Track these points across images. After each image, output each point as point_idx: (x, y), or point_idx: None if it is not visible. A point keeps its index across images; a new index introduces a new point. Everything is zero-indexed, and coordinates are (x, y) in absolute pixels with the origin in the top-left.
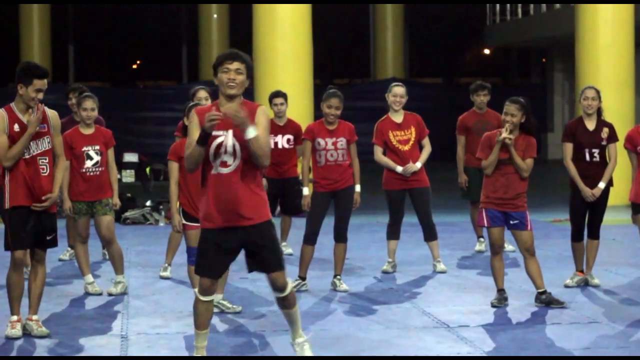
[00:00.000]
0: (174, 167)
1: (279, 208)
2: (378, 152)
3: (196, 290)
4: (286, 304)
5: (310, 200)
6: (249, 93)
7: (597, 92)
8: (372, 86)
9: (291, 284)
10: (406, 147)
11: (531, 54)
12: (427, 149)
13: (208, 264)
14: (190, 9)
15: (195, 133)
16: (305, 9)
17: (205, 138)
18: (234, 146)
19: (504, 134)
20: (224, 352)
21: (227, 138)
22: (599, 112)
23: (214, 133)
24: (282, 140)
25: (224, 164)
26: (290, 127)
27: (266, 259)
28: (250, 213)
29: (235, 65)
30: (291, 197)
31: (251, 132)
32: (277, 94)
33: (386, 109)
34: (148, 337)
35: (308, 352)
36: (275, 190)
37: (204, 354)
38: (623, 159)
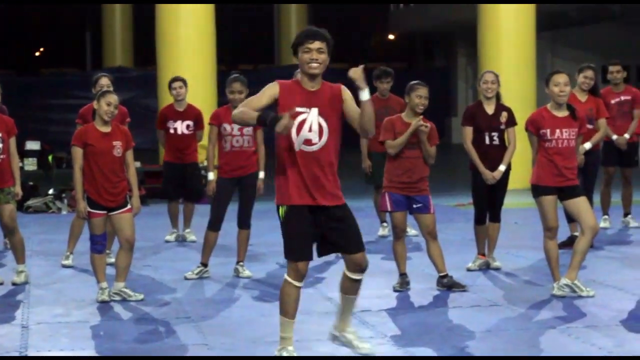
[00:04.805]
0: (78, 153)
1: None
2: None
3: (287, 277)
4: (356, 288)
5: (214, 185)
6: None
7: (496, 76)
8: (277, 71)
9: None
10: None
11: (435, 39)
12: None
13: (300, 247)
14: None
15: (263, 99)
16: None
17: (265, 125)
18: (319, 124)
19: (422, 122)
20: (128, 340)
21: (310, 115)
22: (498, 96)
23: (297, 109)
24: (182, 126)
25: (308, 142)
26: (190, 112)
27: (350, 239)
28: (336, 192)
29: (317, 44)
30: (192, 183)
31: (366, 94)
32: (176, 78)
33: None
34: (50, 326)
35: (357, 343)
36: (176, 175)
37: (292, 344)
38: (522, 143)
